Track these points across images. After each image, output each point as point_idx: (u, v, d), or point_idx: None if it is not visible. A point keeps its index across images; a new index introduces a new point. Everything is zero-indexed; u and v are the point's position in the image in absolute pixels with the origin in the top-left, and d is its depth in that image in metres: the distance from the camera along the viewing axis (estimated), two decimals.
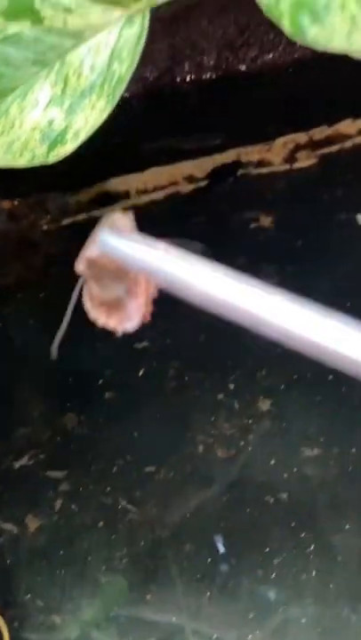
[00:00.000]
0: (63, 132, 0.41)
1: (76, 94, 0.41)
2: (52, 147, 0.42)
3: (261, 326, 0.25)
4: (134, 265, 0.29)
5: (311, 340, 0.25)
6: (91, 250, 0.30)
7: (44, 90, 0.41)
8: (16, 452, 0.65)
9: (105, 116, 0.40)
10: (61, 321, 0.41)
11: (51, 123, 0.41)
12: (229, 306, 0.26)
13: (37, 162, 0.42)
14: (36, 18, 0.41)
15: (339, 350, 0.24)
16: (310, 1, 0.31)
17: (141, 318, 0.31)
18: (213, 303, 0.26)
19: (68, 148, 0.41)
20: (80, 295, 0.32)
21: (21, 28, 0.41)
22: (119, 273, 0.30)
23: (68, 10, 0.41)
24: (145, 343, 0.69)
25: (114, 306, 0.32)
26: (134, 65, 0.40)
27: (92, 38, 0.41)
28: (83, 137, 0.41)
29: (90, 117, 0.41)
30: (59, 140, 0.41)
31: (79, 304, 0.35)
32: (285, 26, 0.33)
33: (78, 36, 0.41)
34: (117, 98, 0.40)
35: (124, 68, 0.39)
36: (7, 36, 0.41)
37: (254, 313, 0.25)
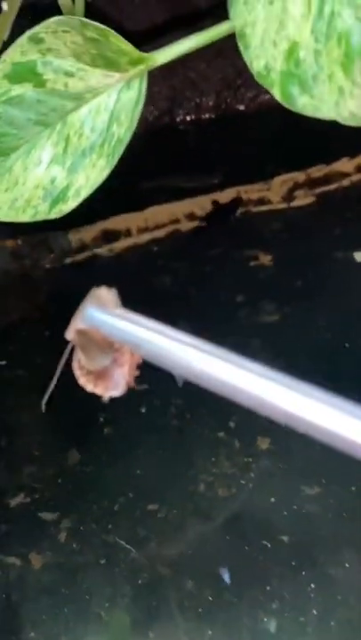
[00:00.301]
0: (65, 190, 0.43)
1: (78, 154, 0.43)
2: (54, 204, 0.43)
3: (238, 396, 0.28)
4: (118, 337, 0.31)
5: (282, 409, 0.26)
6: (78, 322, 0.32)
7: (46, 149, 0.43)
8: (18, 490, 0.66)
9: (105, 174, 0.42)
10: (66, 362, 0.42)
11: (53, 181, 0.43)
12: (205, 376, 0.29)
13: (40, 217, 0.44)
14: (39, 81, 0.43)
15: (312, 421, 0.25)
16: (300, 72, 0.33)
17: (126, 385, 0.34)
18: (190, 373, 0.29)
19: (70, 205, 0.43)
20: (69, 357, 0.34)
21: (25, 90, 0.43)
22: (105, 343, 0.32)
23: (69, 74, 0.42)
24: (145, 385, 0.70)
25: (100, 374, 0.34)
26: (133, 127, 0.41)
27: (93, 100, 0.43)
28: (84, 194, 0.42)
29: (91, 176, 0.43)
30: (60, 197, 0.43)
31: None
32: (276, 94, 0.34)
33: (79, 98, 0.43)
34: (117, 158, 0.41)
35: (123, 131, 0.41)
36: (11, 98, 0.43)
37: (229, 384, 0.28)
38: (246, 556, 0.62)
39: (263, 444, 0.65)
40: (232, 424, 0.66)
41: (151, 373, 0.71)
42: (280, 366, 0.72)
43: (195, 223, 0.82)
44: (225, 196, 0.83)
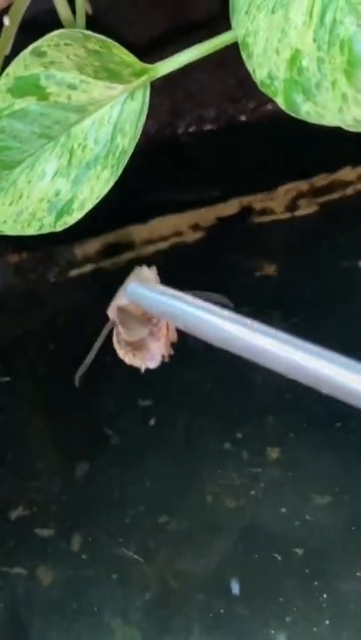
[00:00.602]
0: (70, 202, 0.43)
1: (82, 166, 0.43)
2: (59, 216, 0.43)
3: (266, 360, 0.30)
4: (157, 311, 0.34)
5: (315, 372, 0.29)
6: (120, 298, 0.35)
7: (50, 162, 0.43)
8: (25, 504, 0.66)
9: (110, 186, 0.42)
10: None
11: (57, 193, 0.43)
12: (234, 342, 0.30)
13: (45, 230, 0.44)
14: (42, 94, 0.43)
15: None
16: (303, 79, 0.33)
17: (162, 358, 0.37)
18: (222, 341, 0.31)
19: (75, 216, 0.43)
20: (108, 336, 0.37)
21: (28, 103, 0.43)
22: (144, 318, 0.36)
23: (72, 86, 0.42)
24: (150, 400, 0.70)
25: (139, 346, 0.37)
26: (137, 137, 0.41)
27: (96, 112, 0.43)
28: (89, 206, 0.42)
29: (95, 187, 0.42)
30: (65, 209, 0.43)
31: (104, 345, 0.38)
32: (280, 102, 0.34)
33: (82, 111, 0.43)
34: (121, 168, 0.41)
35: (127, 141, 0.41)
36: (15, 111, 0.43)
37: (257, 348, 0.30)
38: (257, 568, 0.61)
39: (273, 453, 0.65)
40: (240, 435, 0.66)
41: (158, 386, 0.71)
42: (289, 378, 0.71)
43: (199, 234, 0.82)
44: (229, 207, 0.83)
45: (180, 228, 0.82)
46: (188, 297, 0.33)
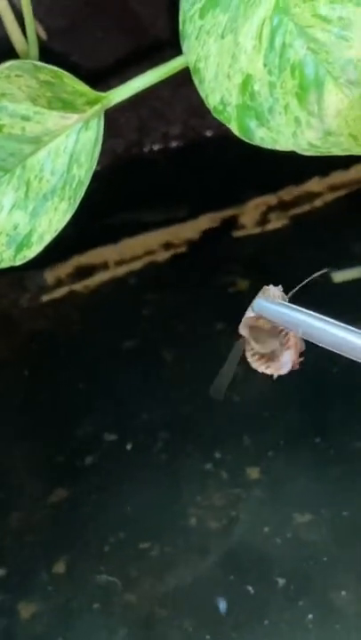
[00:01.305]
0: (28, 235, 0.42)
1: (39, 198, 0.42)
2: (18, 250, 0.43)
3: None
4: (285, 323, 0.40)
5: None
6: (248, 314, 0.41)
7: (7, 195, 0.42)
8: (3, 535, 0.65)
9: (68, 217, 0.41)
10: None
11: (16, 227, 0.42)
12: (352, 347, 0.37)
13: (5, 265, 0.43)
14: None
15: None
16: (255, 104, 0.33)
17: (292, 364, 0.41)
18: (341, 347, 0.38)
19: (35, 250, 0.42)
20: (242, 351, 0.43)
21: None
22: (274, 332, 0.41)
23: (25, 117, 0.42)
24: (130, 415, 0.69)
25: (271, 357, 0.42)
26: (93, 167, 0.41)
27: (51, 143, 0.42)
28: (48, 239, 0.42)
29: (53, 220, 0.42)
30: (24, 243, 0.42)
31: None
32: (234, 128, 0.34)
33: (37, 142, 0.42)
34: (79, 200, 0.41)
35: (84, 172, 0.40)
36: None
37: None
38: (242, 590, 0.60)
39: (253, 473, 0.64)
40: (218, 455, 0.65)
41: (135, 407, 0.70)
42: (266, 391, 0.71)
43: (171, 253, 0.81)
44: (199, 224, 0.82)
45: (152, 248, 0.81)
46: (308, 310, 0.39)
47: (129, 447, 0.67)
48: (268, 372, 0.42)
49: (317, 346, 0.70)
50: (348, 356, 0.38)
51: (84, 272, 0.81)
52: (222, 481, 0.65)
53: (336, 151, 0.34)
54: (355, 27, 0.31)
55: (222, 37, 0.34)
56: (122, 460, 0.67)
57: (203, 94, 0.36)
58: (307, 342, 0.41)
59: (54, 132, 0.41)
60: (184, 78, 0.84)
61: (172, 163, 0.85)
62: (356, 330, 0.37)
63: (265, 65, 0.32)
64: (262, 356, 0.42)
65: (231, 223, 0.81)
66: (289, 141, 0.33)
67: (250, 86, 0.33)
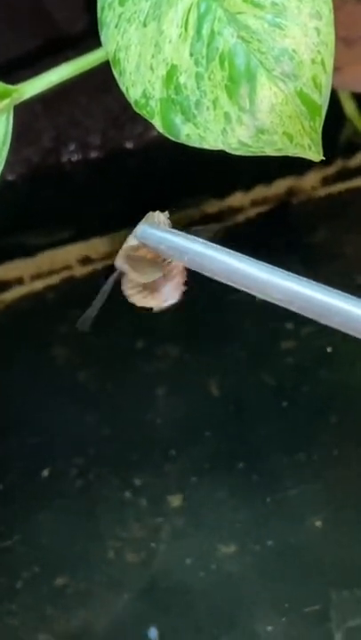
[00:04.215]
0: None
1: None
2: None
3: (271, 292, 0.32)
4: (169, 250, 0.36)
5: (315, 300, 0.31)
6: (131, 241, 0.38)
7: None
8: None
9: None
10: None
11: None
12: (240, 275, 0.34)
13: None
14: None
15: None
16: (181, 98, 0.29)
17: (179, 296, 0.39)
18: (229, 277, 0.34)
19: None
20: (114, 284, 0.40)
21: None
22: (156, 260, 0.38)
23: None
24: (45, 439, 0.65)
25: (153, 288, 0.39)
26: (1, 167, 0.37)
27: None
28: None
29: None
30: None
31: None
32: (157, 124, 0.30)
33: None
34: None
35: None
36: None
37: (260, 279, 0.33)
38: (164, 626, 0.57)
39: (175, 501, 0.61)
40: (138, 482, 0.62)
41: (51, 431, 0.67)
42: (191, 412, 0.68)
43: (90, 267, 0.78)
44: (119, 238, 0.79)
45: (69, 262, 0.78)
46: (195, 237, 0.36)
47: (45, 474, 0.63)
48: (149, 304, 0.40)
49: (243, 366, 0.67)
50: (238, 286, 0.34)
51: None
52: (142, 510, 0.61)
53: (269, 151, 0.31)
54: (290, 13, 0.28)
55: (145, 25, 0.31)
56: (35, 488, 0.63)
57: (123, 87, 0.33)
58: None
59: None
60: (103, 85, 0.81)
61: (90, 174, 0.81)
62: (248, 258, 0.34)
63: (191, 55, 0.29)
64: (143, 287, 0.39)
65: None
66: (218, 139, 0.30)
67: (175, 78, 0.30)
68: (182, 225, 0.84)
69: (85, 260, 0.78)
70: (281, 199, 0.81)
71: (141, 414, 0.65)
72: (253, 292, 0.33)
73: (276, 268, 0.33)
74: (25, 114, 0.82)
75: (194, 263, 0.35)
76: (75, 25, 0.72)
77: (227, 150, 0.31)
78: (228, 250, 0.35)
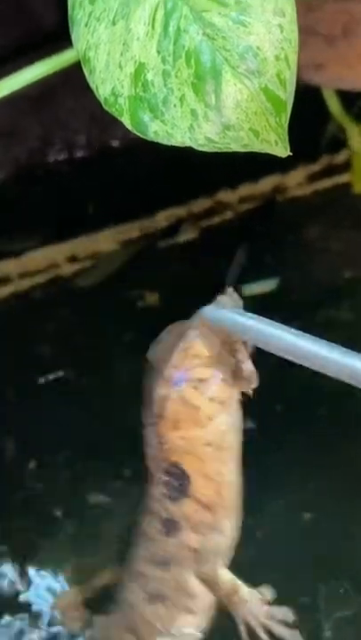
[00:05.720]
0: None
1: None
2: None
3: (333, 370, 0.34)
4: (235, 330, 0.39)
5: None
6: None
7: None
8: None
9: None
10: None
11: None
12: (300, 353, 0.35)
13: None
14: None
15: None
16: (149, 95, 0.30)
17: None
18: (291, 354, 0.36)
19: None
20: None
21: None
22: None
23: None
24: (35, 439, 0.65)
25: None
26: None
27: None
28: None
29: None
30: None
31: None
32: (126, 122, 0.31)
33: None
34: None
35: None
36: None
37: (320, 357, 0.34)
38: None
39: None
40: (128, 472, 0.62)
41: (38, 430, 0.66)
42: None
43: (77, 266, 0.78)
44: (106, 236, 0.79)
45: (57, 261, 0.78)
46: (260, 317, 0.37)
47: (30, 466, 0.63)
48: (241, 389, 0.41)
49: None
50: (297, 361, 0.36)
51: None
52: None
53: (236, 147, 0.31)
54: (253, 11, 0.29)
55: (113, 24, 0.31)
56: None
57: (93, 85, 0.33)
58: None
59: None
60: (88, 85, 0.81)
61: (77, 173, 0.82)
62: (304, 334, 0.36)
63: (158, 52, 0.30)
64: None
65: (140, 235, 0.79)
66: (185, 136, 0.30)
67: (142, 76, 0.30)
68: (172, 224, 0.84)
69: (72, 259, 0.78)
70: (267, 196, 0.82)
71: (129, 407, 0.65)
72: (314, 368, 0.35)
73: (335, 344, 0.34)
74: (13, 113, 0.82)
75: (258, 341, 0.37)
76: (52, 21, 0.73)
77: (194, 147, 0.31)
78: (289, 329, 0.36)
